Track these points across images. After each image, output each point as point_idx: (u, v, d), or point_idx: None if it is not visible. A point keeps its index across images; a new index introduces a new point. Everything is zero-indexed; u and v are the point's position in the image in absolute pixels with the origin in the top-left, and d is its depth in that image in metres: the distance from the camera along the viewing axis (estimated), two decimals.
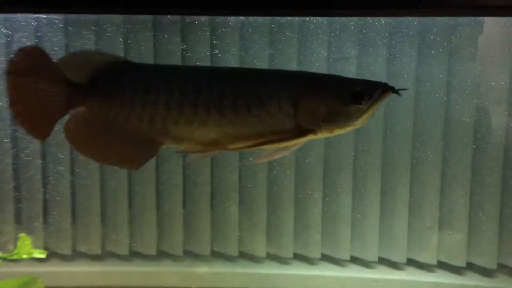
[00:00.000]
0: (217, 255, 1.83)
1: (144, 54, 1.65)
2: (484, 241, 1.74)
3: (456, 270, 1.78)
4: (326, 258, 1.83)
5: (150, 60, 1.66)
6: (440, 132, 1.71)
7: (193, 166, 1.76)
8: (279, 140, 0.94)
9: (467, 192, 1.72)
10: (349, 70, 1.66)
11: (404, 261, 1.80)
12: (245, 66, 1.63)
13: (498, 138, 1.69)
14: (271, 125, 0.95)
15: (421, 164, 1.73)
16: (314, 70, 1.64)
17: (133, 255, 1.84)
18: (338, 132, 0.98)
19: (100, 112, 0.96)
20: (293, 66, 1.65)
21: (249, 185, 1.77)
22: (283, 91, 0.95)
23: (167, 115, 0.95)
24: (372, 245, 1.79)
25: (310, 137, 0.97)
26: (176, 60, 1.65)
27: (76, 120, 0.97)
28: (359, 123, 0.96)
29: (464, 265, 1.77)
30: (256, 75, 1.05)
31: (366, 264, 1.82)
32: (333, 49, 1.68)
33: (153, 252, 1.81)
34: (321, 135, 0.97)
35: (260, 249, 1.81)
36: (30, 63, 0.91)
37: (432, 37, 1.66)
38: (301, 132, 0.95)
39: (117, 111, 0.95)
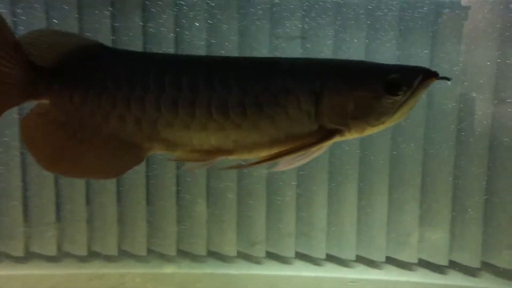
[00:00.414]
0: (184, 255, 1.71)
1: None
2: (467, 239, 1.65)
3: (438, 268, 1.69)
4: (302, 257, 1.72)
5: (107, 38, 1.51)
6: (422, 126, 1.60)
7: (158, 169, 1.62)
8: (298, 149, 0.74)
9: (449, 188, 1.62)
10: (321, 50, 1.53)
11: (383, 259, 1.69)
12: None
13: (483, 132, 1.59)
14: (288, 127, 0.76)
15: (401, 161, 1.62)
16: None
17: (93, 255, 1.69)
18: (370, 131, 0.78)
19: (68, 108, 0.75)
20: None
21: (220, 186, 1.64)
22: (302, 84, 0.75)
23: (158, 115, 0.75)
24: (349, 243, 1.69)
25: (336, 139, 0.78)
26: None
27: (37, 116, 0.76)
28: (395, 118, 0.77)
29: (446, 263, 1.67)
30: (267, 66, 0.80)
31: (343, 263, 1.71)
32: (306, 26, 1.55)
33: (114, 252, 1.68)
34: (349, 136, 0.78)
35: (231, 248, 1.69)
36: None
37: (414, 23, 1.55)
38: (325, 134, 0.76)
39: (92, 107, 0.75)
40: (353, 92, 0.75)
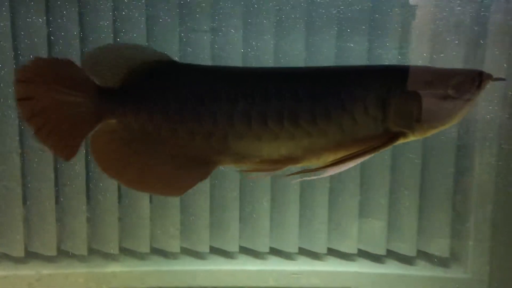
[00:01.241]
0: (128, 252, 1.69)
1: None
2: (403, 229, 1.72)
3: (376, 258, 1.75)
4: (245, 251, 1.74)
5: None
6: None
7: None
8: (364, 153, 0.76)
9: (386, 181, 1.68)
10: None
11: (325, 251, 1.74)
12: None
13: None
14: (354, 132, 0.77)
15: None
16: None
17: (31, 256, 1.65)
18: (432, 132, 0.81)
19: (134, 125, 0.76)
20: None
21: None
22: (369, 90, 0.77)
23: (229, 128, 0.75)
24: (292, 236, 1.72)
25: (400, 141, 0.80)
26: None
27: (104, 134, 0.76)
28: (456, 119, 0.80)
29: (384, 253, 1.74)
30: (331, 75, 0.83)
31: (286, 255, 1.75)
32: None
33: (53, 252, 1.64)
34: (412, 138, 0.81)
35: (174, 244, 1.69)
36: (47, 69, 0.72)
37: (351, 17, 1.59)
38: (390, 137, 0.78)
39: (159, 124, 0.75)
40: (421, 95, 0.78)
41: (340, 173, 1.61)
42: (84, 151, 1.56)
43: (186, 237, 1.70)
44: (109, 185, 1.62)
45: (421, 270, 1.73)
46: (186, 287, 1.67)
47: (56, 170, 1.61)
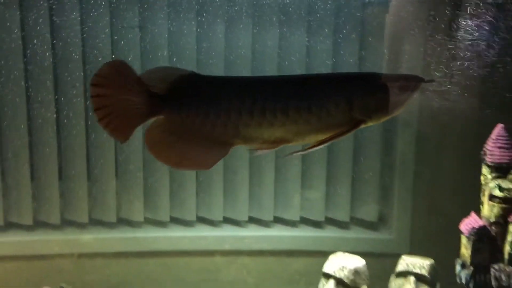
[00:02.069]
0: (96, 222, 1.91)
1: None
2: (339, 198, 1.99)
3: (316, 224, 2.02)
4: (202, 220, 1.98)
5: None
6: None
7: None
8: (337, 135, 1.06)
9: (324, 155, 1.95)
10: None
11: (272, 219, 2.00)
12: None
13: None
14: (329, 121, 1.06)
15: None
16: None
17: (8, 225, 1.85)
18: (385, 119, 1.12)
19: (177, 120, 1.02)
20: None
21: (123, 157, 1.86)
22: (340, 92, 1.07)
23: (239, 120, 1.02)
24: (242, 206, 1.97)
25: (362, 126, 1.09)
26: None
27: (155, 127, 1.03)
28: (401, 110, 1.12)
29: (322, 219, 2.01)
30: (312, 81, 1.14)
31: (238, 223, 2.00)
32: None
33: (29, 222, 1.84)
34: (370, 124, 1.10)
35: (138, 214, 1.92)
36: (113, 75, 0.99)
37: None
38: (354, 124, 1.07)
39: (193, 118, 1.02)
40: (377, 95, 1.09)
41: (284, 149, 1.89)
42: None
43: (149, 208, 1.93)
44: (79, 164, 1.83)
45: (354, 233, 2.01)
46: (149, 251, 1.90)
47: (31, 151, 1.81)
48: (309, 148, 1.09)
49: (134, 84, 1.00)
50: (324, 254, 1.75)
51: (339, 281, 1.60)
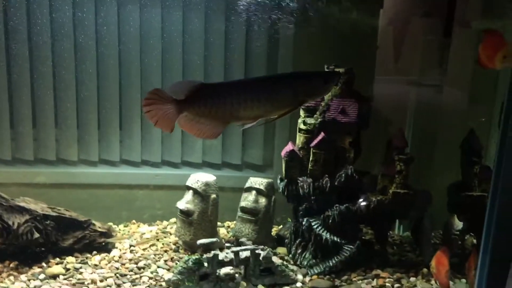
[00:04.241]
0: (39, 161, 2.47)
1: None
2: (233, 145, 2.56)
3: (216, 166, 2.59)
4: (124, 162, 2.55)
5: None
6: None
7: None
8: (288, 112, 1.73)
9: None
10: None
11: (180, 161, 2.57)
12: None
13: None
14: (283, 104, 1.72)
15: None
16: None
17: None
18: (313, 101, 2.00)
19: (194, 112, 1.67)
20: None
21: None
22: (291, 85, 1.73)
23: (232, 108, 1.67)
24: (157, 151, 2.54)
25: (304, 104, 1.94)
26: None
27: (184, 118, 1.69)
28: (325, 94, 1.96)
29: (220, 162, 2.58)
30: (274, 79, 1.86)
31: (152, 164, 2.56)
32: None
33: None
34: (306, 103, 1.94)
35: (74, 155, 2.49)
36: (154, 96, 1.66)
37: None
38: (300, 103, 1.76)
39: (203, 110, 1.67)
40: (313, 86, 1.76)
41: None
42: None
43: (82, 151, 2.49)
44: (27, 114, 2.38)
45: (246, 173, 2.58)
46: (81, 183, 2.47)
47: None
48: (272, 119, 1.79)
49: (166, 98, 1.67)
50: (223, 190, 2.31)
51: (195, 191, 2.16)
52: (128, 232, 2.41)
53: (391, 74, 2.39)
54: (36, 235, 1.95)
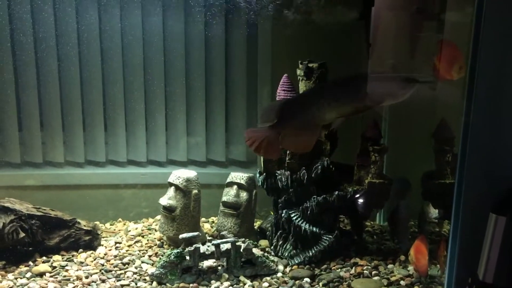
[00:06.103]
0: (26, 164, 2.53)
1: None
2: (216, 142, 2.61)
3: (201, 164, 2.65)
4: (111, 162, 2.60)
5: None
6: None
7: None
8: (359, 111, 1.97)
9: (203, 106, 2.57)
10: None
11: (165, 160, 2.62)
12: None
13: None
14: (349, 108, 1.94)
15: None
16: None
17: None
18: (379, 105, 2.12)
19: (291, 128, 1.97)
20: None
21: None
22: (355, 93, 1.94)
23: (318, 112, 1.94)
24: (142, 150, 2.59)
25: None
26: None
27: (271, 137, 1.99)
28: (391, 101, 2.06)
29: (205, 160, 2.63)
30: (343, 85, 2.02)
31: (138, 163, 2.62)
32: None
33: None
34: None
35: (60, 158, 2.54)
36: (253, 133, 2.02)
37: None
38: (364, 107, 1.95)
39: (292, 123, 1.97)
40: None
41: (174, 103, 2.51)
42: None
43: (68, 152, 2.54)
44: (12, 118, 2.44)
45: (230, 170, 2.62)
46: (68, 184, 2.52)
47: None
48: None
49: (260, 130, 1.99)
50: (209, 187, 2.39)
51: (176, 187, 2.20)
52: (114, 229, 2.45)
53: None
54: (22, 234, 2.00)
